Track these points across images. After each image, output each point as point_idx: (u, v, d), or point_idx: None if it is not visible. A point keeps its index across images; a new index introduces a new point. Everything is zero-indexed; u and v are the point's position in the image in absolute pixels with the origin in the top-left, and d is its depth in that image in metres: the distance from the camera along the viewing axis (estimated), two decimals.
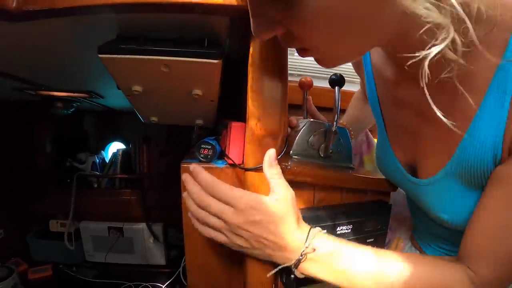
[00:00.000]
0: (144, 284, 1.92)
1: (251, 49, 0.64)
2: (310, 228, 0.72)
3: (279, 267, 0.72)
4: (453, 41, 0.50)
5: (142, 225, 2.03)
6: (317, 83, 1.90)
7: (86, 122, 2.46)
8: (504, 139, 0.58)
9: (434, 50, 0.48)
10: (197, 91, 0.78)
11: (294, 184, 0.80)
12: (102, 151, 2.38)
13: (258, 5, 0.51)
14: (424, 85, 0.51)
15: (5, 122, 1.95)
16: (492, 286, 0.65)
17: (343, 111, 1.78)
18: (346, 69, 1.70)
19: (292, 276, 0.72)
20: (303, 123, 1.00)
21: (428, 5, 0.45)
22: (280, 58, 0.64)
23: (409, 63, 0.49)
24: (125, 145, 2.36)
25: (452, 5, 0.46)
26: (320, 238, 0.71)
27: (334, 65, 0.61)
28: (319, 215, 0.82)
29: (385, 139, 0.96)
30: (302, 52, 0.59)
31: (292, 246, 0.69)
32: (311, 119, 1.01)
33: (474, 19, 0.48)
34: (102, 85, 1.28)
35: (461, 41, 0.49)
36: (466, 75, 0.56)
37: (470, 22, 0.47)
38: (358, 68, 1.12)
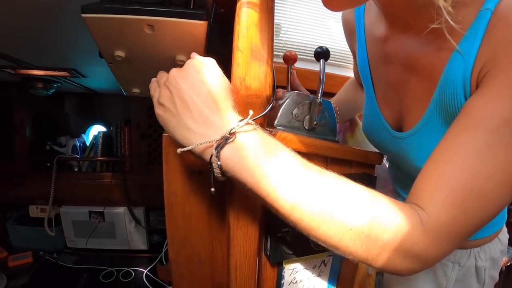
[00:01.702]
0: (126, 269, 1.93)
1: (238, 13, 0.64)
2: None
3: (192, 146, 0.57)
4: None
5: (124, 209, 2.03)
6: (302, 65, 1.90)
7: (67, 105, 2.44)
8: (472, 73, 0.61)
9: None
10: (181, 57, 0.76)
11: None
12: (83, 134, 2.36)
13: None
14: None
15: None
16: (445, 230, 0.56)
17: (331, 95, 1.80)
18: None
19: (217, 164, 0.56)
20: (287, 95, 1.01)
21: None
22: (267, 19, 0.64)
23: None
24: (106, 128, 2.34)
25: None
26: (258, 130, 0.60)
27: (339, 8, 0.63)
28: None
29: (372, 99, 0.97)
30: None
31: (217, 122, 0.57)
32: (295, 92, 1.01)
33: None
34: (84, 62, 1.25)
35: None
36: (450, 27, 0.60)
37: None
38: (350, 37, 1.12)
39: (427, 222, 0.56)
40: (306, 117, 0.99)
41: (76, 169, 2.14)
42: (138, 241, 2.11)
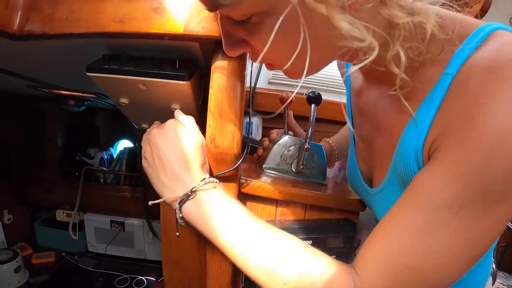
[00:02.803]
0: (140, 277, 2.00)
1: (211, 76, 0.71)
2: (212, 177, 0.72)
3: (163, 199, 0.71)
4: (397, 57, 0.56)
5: (143, 221, 2.10)
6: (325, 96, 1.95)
7: (98, 119, 2.55)
8: (424, 145, 0.59)
9: (355, 66, 0.55)
10: (175, 105, 0.86)
11: (256, 196, 0.87)
12: (111, 148, 2.47)
13: (227, 26, 0.59)
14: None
15: (20, 114, 2.06)
16: None
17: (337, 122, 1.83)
18: None
19: (179, 216, 0.70)
20: (278, 138, 1.08)
21: (361, 28, 0.50)
22: (236, 83, 0.71)
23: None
24: (132, 143, 2.44)
25: (383, 30, 0.54)
26: (218, 188, 0.71)
27: (299, 77, 0.65)
28: (276, 226, 0.84)
29: (352, 149, 0.97)
30: (269, 66, 0.66)
31: (185, 180, 0.69)
32: (286, 135, 1.08)
33: (428, 38, 0.54)
34: None
35: (411, 56, 0.57)
36: (413, 88, 0.60)
37: (421, 40, 0.55)
38: (344, 81, 1.12)
39: (359, 287, 0.59)
40: (295, 160, 1.06)
41: (101, 180, 2.22)
42: (154, 252, 2.16)
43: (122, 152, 2.23)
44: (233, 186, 0.82)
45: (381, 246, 0.59)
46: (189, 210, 0.69)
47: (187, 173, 0.70)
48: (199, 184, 0.68)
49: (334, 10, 0.46)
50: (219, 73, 0.70)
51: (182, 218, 0.70)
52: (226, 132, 0.71)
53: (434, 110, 0.57)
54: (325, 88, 2.12)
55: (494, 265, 1.72)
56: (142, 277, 2.01)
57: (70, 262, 2.10)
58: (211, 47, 0.71)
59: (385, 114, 0.74)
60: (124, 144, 2.48)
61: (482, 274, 0.81)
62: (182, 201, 0.69)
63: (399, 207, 0.59)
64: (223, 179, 0.78)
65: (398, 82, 0.58)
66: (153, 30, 0.65)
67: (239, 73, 0.71)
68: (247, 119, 1.77)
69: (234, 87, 0.71)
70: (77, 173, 2.12)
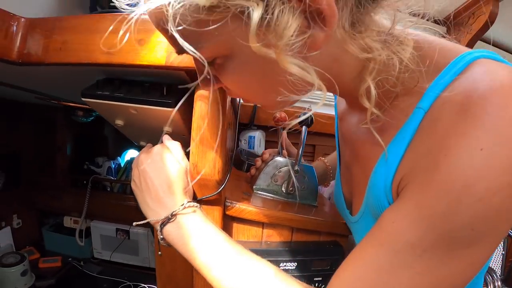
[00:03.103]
0: (143, 285, 2.02)
1: (194, 106, 0.75)
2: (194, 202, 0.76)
3: (147, 220, 0.76)
4: (368, 91, 0.56)
5: (147, 231, 2.12)
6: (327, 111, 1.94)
7: (106, 128, 2.61)
8: (393, 183, 0.57)
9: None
10: (167, 128, 0.89)
11: (242, 218, 0.90)
12: (119, 157, 2.51)
13: (199, 66, 0.62)
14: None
15: (30, 123, 2.12)
16: None
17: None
18: None
19: (160, 237, 0.74)
20: (270, 159, 1.10)
21: (311, 71, 0.50)
22: (217, 111, 0.74)
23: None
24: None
25: (354, 64, 0.56)
26: (197, 212, 0.75)
27: (272, 110, 0.68)
28: (262, 249, 0.86)
29: (338, 174, 0.96)
30: (244, 100, 0.71)
31: (168, 203, 0.73)
32: (278, 156, 1.10)
33: (403, 69, 0.53)
34: None
35: (386, 87, 0.56)
36: (387, 122, 0.59)
37: (396, 72, 0.54)
38: None
39: None
40: (285, 182, 1.08)
41: (108, 189, 2.26)
42: None
43: (129, 162, 2.28)
44: (217, 209, 0.85)
45: (346, 280, 0.58)
46: (170, 232, 0.73)
47: (170, 197, 0.74)
48: (179, 208, 0.72)
49: (282, 54, 0.47)
50: (201, 102, 0.74)
51: (163, 239, 0.74)
52: (207, 159, 0.74)
53: (404, 147, 0.55)
54: (327, 102, 2.08)
55: (499, 282, 1.71)
56: (145, 285, 2.03)
57: (76, 268, 2.13)
58: (196, 75, 0.74)
59: (362, 143, 0.74)
60: (132, 153, 2.52)
61: None
62: (163, 224, 0.73)
63: (366, 243, 0.57)
64: (207, 202, 0.82)
65: (368, 116, 0.58)
66: (138, 62, 0.70)
67: (220, 102, 0.74)
68: (250, 134, 1.81)
69: (215, 115, 0.74)
70: (85, 181, 2.16)
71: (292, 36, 0.45)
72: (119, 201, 2.17)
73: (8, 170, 2.06)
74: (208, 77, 0.60)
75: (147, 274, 2.15)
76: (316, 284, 0.94)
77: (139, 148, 2.40)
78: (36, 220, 2.29)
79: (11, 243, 2.01)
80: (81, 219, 2.13)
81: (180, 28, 0.46)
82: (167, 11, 0.45)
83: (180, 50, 0.53)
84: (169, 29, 0.47)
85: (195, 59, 0.61)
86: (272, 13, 0.43)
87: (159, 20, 0.49)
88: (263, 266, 0.68)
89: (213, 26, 0.46)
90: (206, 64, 0.51)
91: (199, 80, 0.64)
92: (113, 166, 2.36)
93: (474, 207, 0.44)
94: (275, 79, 0.55)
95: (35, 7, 0.97)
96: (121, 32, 0.61)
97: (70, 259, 2.18)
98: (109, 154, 2.57)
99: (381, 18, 0.57)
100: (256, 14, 0.43)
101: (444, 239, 0.47)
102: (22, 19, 0.78)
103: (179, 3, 0.44)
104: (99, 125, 2.51)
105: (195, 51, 0.49)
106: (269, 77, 0.56)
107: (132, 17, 0.51)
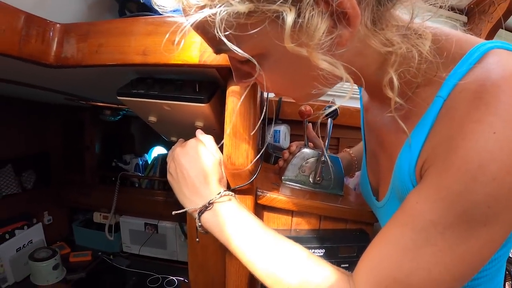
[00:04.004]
0: (171, 277, 2.07)
1: (226, 99, 0.78)
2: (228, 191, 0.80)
3: (185, 209, 0.81)
4: (391, 82, 0.59)
5: (175, 225, 2.17)
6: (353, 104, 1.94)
7: (133, 126, 2.67)
8: (416, 166, 0.60)
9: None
10: (199, 123, 0.93)
11: (272, 207, 0.93)
12: (146, 154, 2.55)
13: (234, 63, 0.66)
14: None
15: (60, 123, 2.20)
16: None
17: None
18: None
19: (198, 224, 0.78)
20: (297, 151, 1.13)
21: (339, 66, 0.54)
22: (249, 106, 0.78)
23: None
24: (166, 149, 2.53)
25: (377, 57, 0.60)
26: (232, 200, 0.79)
27: (304, 102, 0.73)
28: (292, 236, 0.85)
29: (364, 162, 1.00)
30: (276, 94, 0.74)
31: (204, 193, 0.78)
32: (305, 147, 1.13)
33: (423, 61, 0.57)
34: None
35: (408, 78, 0.59)
36: (410, 110, 0.62)
37: (416, 64, 0.57)
38: None
39: None
40: (313, 172, 1.11)
41: (136, 185, 2.30)
42: (185, 254, 2.20)
43: (156, 158, 2.32)
44: (249, 198, 0.88)
45: (373, 260, 0.62)
46: (207, 219, 0.77)
47: (206, 187, 0.79)
48: (215, 197, 0.77)
49: (314, 52, 0.51)
50: (233, 97, 0.77)
51: (201, 226, 0.79)
52: (240, 151, 0.78)
53: (426, 133, 0.58)
54: (352, 95, 2.06)
55: None
56: (173, 277, 2.07)
57: (106, 261, 2.19)
58: (227, 72, 0.77)
59: (387, 131, 0.78)
60: (158, 150, 2.57)
61: None
62: (201, 212, 0.77)
63: (391, 224, 0.62)
64: (240, 192, 0.85)
65: (392, 105, 0.61)
66: (172, 61, 0.73)
67: (251, 97, 0.77)
68: (275, 128, 1.84)
69: (248, 110, 0.77)
70: (113, 178, 2.23)
71: (321, 36, 0.49)
72: (147, 196, 2.22)
73: (39, 169, 2.14)
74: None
75: (175, 267, 2.20)
76: None
77: (166, 144, 2.47)
78: (66, 217, 2.37)
79: (43, 238, 2.07)
80: (110, 214, 2.18)
81: (227, 33, 0.50)
82: (212, 18, 0.49)
83: (218, 50, 0.58)
84: (216, 33, 0.50)
85: (230, 58, 0.65)
86: (304, 17, 0.47)
87: (202, 25, 0.53)
88: (296, 249, 0.72)
89: (254, 30, 0.50)
90: (253, 60, 0.55)
91: (234, 77, 0.68)
92: (141, 163, 2.41)
93: (489, 186, 0.48)
94: (307, 74, 0.58)
95: (67, 13, 1.01)
96: (177, 39, 0.67)
97: (99, 253, 2.24)
98: (136, 152, 2.62)
99: (401, 13, 0.60)
100: (289, 18, 0.47)
101: (463, 217, 0.51)
102: (58, 25, 0.82)
103: (224, 11, 0.48)
104: (126, 123, 2.58)
105: (241, 51, 0.53)
106: (301, 73, 0.60)
107: (185, 26, 0.54)
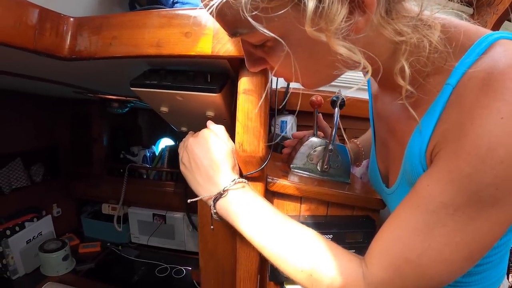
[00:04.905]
0: (179, 267, 2.10)
1: (238, 89, 0.80)
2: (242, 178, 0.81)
3: (200, 197, 0.82)
4: (403, 70, 0.60)
5: (183, 215, 2.20)
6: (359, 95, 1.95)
7: (140, 119, 2.70)
8: (427, 150, 0.63)
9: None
10: (210, 113, 0.95)
11: (282, 194, 0.96)
12: (153, 146, 2.58)
13: (248, 47, 0.67)
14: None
15: (68, 116, 2.23)
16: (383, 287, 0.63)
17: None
18: None
19: (214, 211, 0.80)
20: (306, 139, 1.16)
21: (356, 52, 0.55)
22: (262, 95, 0.79)
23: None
24: (173, 141, 2.56)
25: (389, 45, 0.62)
26: (246, 187, 0.81)
27: (313, 88, 0.72)
28: (300, 222, 0.89)
29: (373, 150, 1.02)
30: (286, 79, 0.74)
31: (219, 180, 0.79)
32: (313, 136, 1.16)
33: (433, 50, 0.59)
34: None
35: (418, 66, 0.61)
36: (419, 97, 0.64)
37: (426, 52, 0.59)
38: None
39: (367, 277, 0.65)
40: (320, 160, 1.14)
41: (144, 176, 2.33)
42: (193, 244, 2.26)
43: (163, 149, 2.34)
44: (260, 185, 0.90)
45: (385, 241, 0.64)
46: (222, 206, 0.79)
47: (220, 174, 0.80)
48: (230, 184, 0.78)
49: (333, 37, 0.53)
50: (245, 87, 0.79)
51: (216, 213, 0.80)
52: (252, 138, 0.80)
53: (436, 119, 0.61)
54: (361, 86, 2.06)
55: None
56: (181, 267, 2.10)
57: (114, 252, 2.23)
58: (238, 63, 0.79)
59: (397, 118, 0.80)
60: (166, 142, 2.60)
61: (497, 275, 0.83)
62: (216, 199, 0.79)
63: (403, 207, 0.64)
64: (251, 178, 0.87)
65: (403, 93, 0.63)
66: (185, 52, 0.75)
67: (262, 87, 0.79)
68: (282, 118, 1.85)
69: (258, 98, 0.79)
70: (121, 170, 2.25)
71: (341, 22, 0.51)
72: (155, 187, 2.25)
73: (48, 162, 2.17)
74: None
75: (183, 257, 2.23)
76: None
77: (173, 136, 2.49)
78: (75, 208, 2.41)
79: (52, 230, 2.10)
80: (118, 205, 2.22)
81: (253, 13, 0.51)
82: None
83: (234, 34, 0.59)
84: (240, 14, 0.52)
85: (243, 42, 0.66)
86: (325, 2, 0.49)
87: (221, 7, 0.54)
88: (308, 232, 0.75)
89: (276, 13, 0.52)
90: (279, 39, 0.56)
91: (246, 62, 0.69)
92: (148, 154, 2.43)
93: (497, 168, 0.50)
94: (323, 59, 0.60)
95: (78, 7, 1.03)
96: (203, 17, 0.73)
97: (108, 244, 2.29)
98: (144, 143, 2.65)
99: (411, 5, 0.62)
100: (311, 3, 0.49)
101: (473, 198, 0.53)
102: (71, 19, 0.84)
103: None
104: (133, 116, 2.62)
105: (266, 30, 0.54)
106: (317, 57, 0.61)
107: (212, 5, 0.54)
